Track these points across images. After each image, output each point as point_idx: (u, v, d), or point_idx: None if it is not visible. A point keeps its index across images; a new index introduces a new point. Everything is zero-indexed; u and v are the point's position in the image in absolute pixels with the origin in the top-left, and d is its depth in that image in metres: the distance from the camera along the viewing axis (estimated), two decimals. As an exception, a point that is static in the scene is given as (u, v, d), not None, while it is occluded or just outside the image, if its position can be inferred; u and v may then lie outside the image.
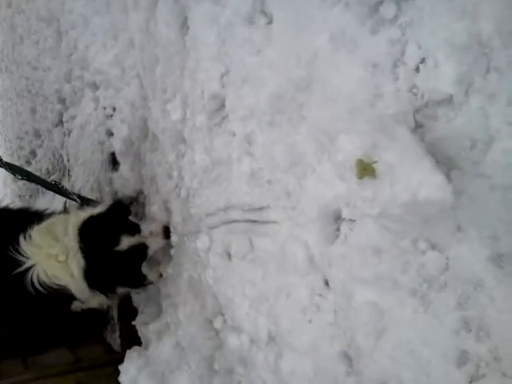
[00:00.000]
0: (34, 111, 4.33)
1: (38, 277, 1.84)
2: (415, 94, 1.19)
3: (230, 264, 1.78)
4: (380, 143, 1.10)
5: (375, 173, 1.10)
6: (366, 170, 1.11)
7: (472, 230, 1.06)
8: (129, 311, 2.47)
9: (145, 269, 2.08)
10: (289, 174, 1.53)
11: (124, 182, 2.55)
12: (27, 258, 1.85)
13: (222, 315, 1.85)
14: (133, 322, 2.39)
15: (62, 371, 2.34)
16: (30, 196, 4.52)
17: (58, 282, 1.86)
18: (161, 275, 2.21)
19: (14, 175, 2.32)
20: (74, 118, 3.29)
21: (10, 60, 5.06)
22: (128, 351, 2.22)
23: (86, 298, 1.98)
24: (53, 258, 1.86)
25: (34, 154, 4.51)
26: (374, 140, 1.11)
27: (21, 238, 1.88)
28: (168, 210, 2.20)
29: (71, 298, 1.95)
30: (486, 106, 1.06)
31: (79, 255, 1.87)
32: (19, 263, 1.85)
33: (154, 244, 2.03)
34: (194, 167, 1.99)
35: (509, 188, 1.00)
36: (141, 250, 1.98)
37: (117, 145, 2.54)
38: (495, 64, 1.07)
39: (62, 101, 3.54)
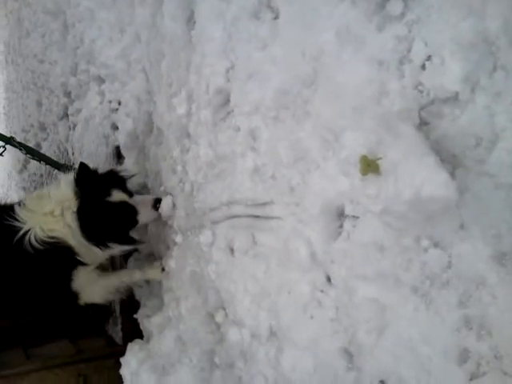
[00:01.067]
0: (39, 104, 4.34)
1: (35, 236, 1.91)
2: (421, 92, 1.19)
3: (232, 259, 1.79)
4: (384, 140, 1.10)
5: (379, 169, 1.10)
6: (370, 166, 1.11)
7: (475, 228, 1.06)
8: (131, 304, 2.49)
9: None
10: (293, 170, 1.54)
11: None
12: (23, 223, 1.93)
13: (224, 310, 1.85)
14: (135, 315, 2.41)
15: (63, 363, 2.36)
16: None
17: (55, 235, 1.94)
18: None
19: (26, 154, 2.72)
20: (79, 111, 3.30)
21: (17, 53, 5.08)
22: (129, 344, 2.24)
23: (84, 251, 2.02)
24: (48, 214, 1.96)
25: (39, 146, 4.52)
26: (378, 137, 1.11)
27: (15, 206, 2.00)
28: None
29: (71, 252, 1.99)
30: (492, 104, 1.06)
31: (73, 205, 1.95)
32: (17, 229, 1.93)
33: (144, 212, 2.10)
34: (199, 162, 1.99)
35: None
36: (130, 211, 2.06)
37: (122, 138, 2.55)
38: (501, 62, 1.06)
39: (68, 94, 3.56)
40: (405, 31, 1.24)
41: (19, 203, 2.03)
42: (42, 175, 4.34)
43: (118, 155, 2.64)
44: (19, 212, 1.97)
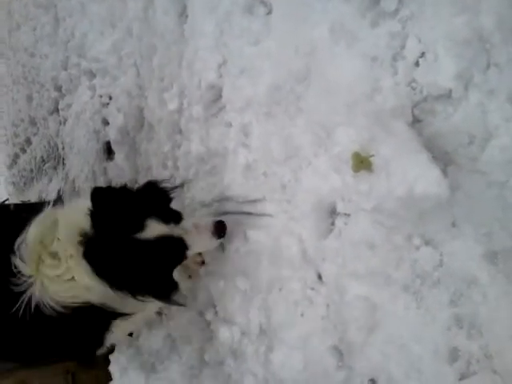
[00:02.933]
0: (30, 98, 4.28)
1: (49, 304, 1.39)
2: (414, 89, 1.18)
3: (223, 256, 1.77)
4: (377, 137, 1.09)
5: (371, 166, 1.09)
6: (362, 163, 1.10)
7: (467, 226, 1.05)
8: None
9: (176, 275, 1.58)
10: (284, 167, 1.52)
11: (119, 171, 2.52)
12: (29, 285, 1.39)
13: (214, 307, 1.83)
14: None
15: (51, 360, 2.32)
16: (25, 184, 4.48)
17: (74, 300, 1.42)
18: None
19: None
20: (69, 106, 3.26)
21: (7, 46, 5.00)
22: (118, 341, 2.21)
23: (119, 304, 1.49)
24: (59, 279, 1.41)
25: (29, 141, 4.47)
26: (371, 134, 1.10)
27: (16, 251, 1.41)
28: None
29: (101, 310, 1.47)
30: (485, 101, 1.05)
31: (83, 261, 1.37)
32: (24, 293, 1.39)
33: (199, 243, 1.53)
34: (190, 158, 1.97)
35: (505, 185, 0.99)
36: (175, 247, 1.48)
37: (112, 134, 2.51)
38: (495, 60, 1.05)
39: (59, 88, 3.50)
40: (398, 28, 1.23)
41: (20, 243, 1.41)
42: (31, 170, 4.29)
43: (109, 150, 2.60)
44: (21, 264, 1.39)
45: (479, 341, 1.03)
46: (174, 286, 1.54)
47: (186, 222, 1.52)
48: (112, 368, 2.11)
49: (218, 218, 1.59)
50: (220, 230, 1.55)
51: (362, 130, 1.11)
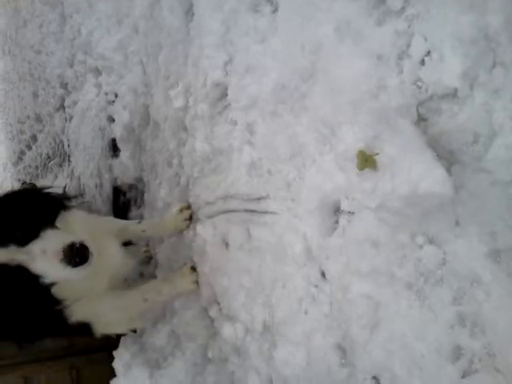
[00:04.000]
0: (35, 95, 4.31)
1: None
2: (419, 87, 1.18)
3: (227, 253, 1.78)
4: (382, 135, 1.09)
5: (376, 165, 1.09)
6: (367, 161, 1.10)
7: (471, 225, 1.05)
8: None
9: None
10: (289, 165, 1.53)
11: (124, 168, 2.54)
12: None
13: (218, 304, 1.85)
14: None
15: (55, 355, 2.35)
16: (30, 180, 4.51)
17: None
18: (150, 257, 2.19)
19: None
20: (75, 103, 3.28)
21: (14, 43, 5.04)
22: (123, 337, 2.22)
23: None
24: None
25: (34, 138, 4.50)
26: (376, 132, 1.10)
27: None
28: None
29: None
30: (490, 101, 1.05)
31: None
32: None
33: (48, 272, 1.28)
34: (195, 156, 1.98)
35: (509, 184, 1.00)
36: (13, 278, 1.26)
37: (118, 131, 2.53)
38: (501, 59, 1.06)
39: (64, 85, 3.53)
40: (404, 26, 1.23)
41: None
42: (37, 167, 4.32)
43: (114, 148, 2.63)
44: None
45: (482, 339, 1.04)
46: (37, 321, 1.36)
47: (34, 245, 1.27)
48: (116, 364, 2.13)
49: (76, 241, 1.30)
50: (73, 256, 1.27)
51: (367, 128, 1.12)
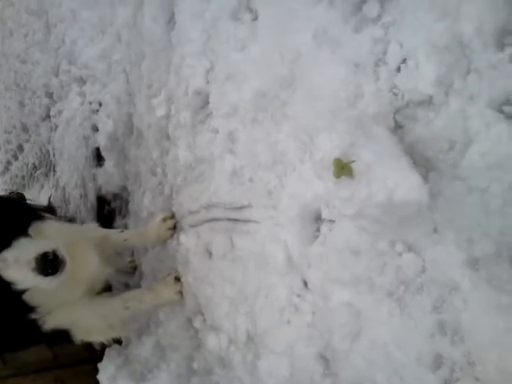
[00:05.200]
0: (22, 105, 4.27)
1: None
2: (396, 95, 1.18)
3: (210, 263, 1.76)
4: (358, 142, 1.08)
5: (352, 172, 1.08)
6: (343, 169, 1.09)
7: (448, 232, 1.04)
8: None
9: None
10: (270, 173, 1.51)
11: (108, 177, 2.52)
12: None
13: (202, 315, 1.82)
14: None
15: (40, 368, 2.30)
16: (17, 190, 4.46)
17: None
18: (135, 267, 2.17)
19: None
20: (60, 112, 3.26)
21: (0, 53, 5.00)
22: (107, 349, 2.18)
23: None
24: None
25: (21, 148, 4.46)
26: (352, 139, 1.09)
27: None
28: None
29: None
30: (466, 107, 1.05)
31: None
32: None
33: (21, 280, 1.31)
34: (178, 164, 1.96)
35: (486, 191, 0.99)
36: None
37: (102, 140, 2.51)
38: (475, 65, 1.05)
39: (50, 95, 3.51)
40: (381, 33, 1.23)
41: None
42: (23, 177, 4.28)
43: (98, 157, 2.60)
44: None
45: (462, 347, 1.02)
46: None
47: (7, 254, 1.29)
48: (100, 377, 2.09)
49: (49, 251, 1.31)
50: (45, 266, 1.29)
51: (344, 135, 1.11)
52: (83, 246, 1.73)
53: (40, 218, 1.57)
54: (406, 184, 0.99)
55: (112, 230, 2.18)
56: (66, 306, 1.63)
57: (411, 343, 1.11)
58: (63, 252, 1.36)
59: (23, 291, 1.37)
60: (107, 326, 1.84)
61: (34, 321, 1.54)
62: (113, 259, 2.18)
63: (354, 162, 1.08)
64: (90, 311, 1.77)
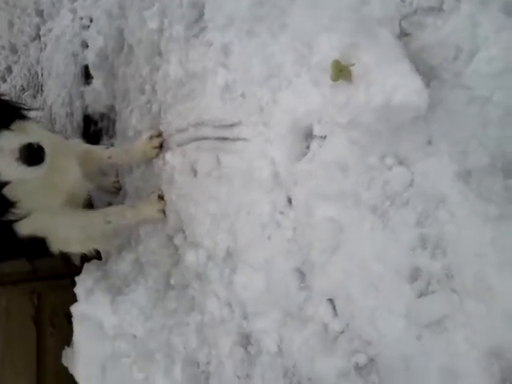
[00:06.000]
0: (11, 24, 3.98)
1: None
2: (403, 1, 1.08)
3: (195, 181, 1.68)
4: (360, 44, 0.99)
5: (351, 76, 0.99)
6: (341, 72, 1.00)
7: (443, 143, 0.98)
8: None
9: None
10: (264, 88, 1.41)
11: (96, 96, 2.37)
12: None
13: (183, 232, 1.76)
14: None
15: (17, 279, 2.25)
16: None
17: None
18: (119, 188, 2.09)
19: None
20: (50, 31, 3.04)
21: (-11, -32, 4.62)
22: (86, 264, 2.14)
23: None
24: None
25: (9, 70, 4.19)
26: (353, 40, 1.00)
27: None
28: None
29: None
30: (477, 13, 0.95)
31: None
32: None
33: (4, 170, 1.27)
34: (168, 81, 1.84)
35: (488, 100, 0.92)
36: None
37: (91, 57, 2.34)
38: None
39: (40, 13, 3.26)
40: None
41: None
42: (11, 99, 4.05)
43: (87, 75, 2.44)
44: None
45: (442, 261, 0.98)
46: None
47: None
48: (78, 289, 2.05)
49: (33, 142, 1.27)
50: (28, 156, 1.26)
51: (345, 35, 1.01)
52: (65, 156, 1.64)
53: (23, 117, 1.47)
54: (406, 87, 0.91)
55: (96, 146, 2.07)
56: (44, 212, 1.56)
57: (390, 256, 1.07)
58: (47, 147, 1.29)
59: (5, 183, 1.31)
60: (86, 238, 1.79)
61: (11, 224, 1.47)
62: (96, 176, 2.09)
63: (353, 65, 0.99)
64: (69, 221, 1.72)
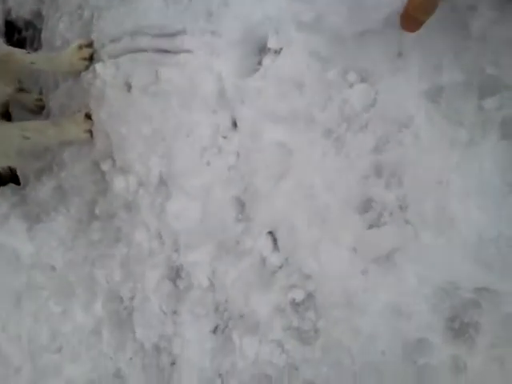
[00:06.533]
0: None
1: None
2: None
3: (128, 97, 1.43)
4: None
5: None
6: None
7: (415, 56, 0.83)
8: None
9: None
10: (214, -13, 1.19)
11: (19, -3, 1.98)
12: None
13: (112, 157, 1.53)
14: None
15: None
16: None
17: None
18: (43, 107, 1.80)
19: None
20: None
21: None
22: (1, 188, 1.85)
23: None
24: None
25: None
26: None
27: None
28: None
29: None
30: None
31: None
32: None
33: None
34: (103, -20, 1.54)
35: (471, 9, 0.77)
36: None
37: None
38: None
39: None
40: None
41: None
42: None
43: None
44: None
45: (397, 191, 0.87)
46: None
47: None
48: (-10, 214, 1.77)
49: None
50: None
51: None
52: None
53: None
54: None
55: (18, 49, 1.73)
56: None
57: (341, 185, 0.94)
58: None
59: None
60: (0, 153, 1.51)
61: None
62: (15, 84, 1.77)
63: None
64: None
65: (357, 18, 0.80)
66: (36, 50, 2.05)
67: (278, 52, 1.09)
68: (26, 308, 1.64)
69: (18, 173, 1.92)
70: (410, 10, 0.67)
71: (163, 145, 1.33)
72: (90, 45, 1.61)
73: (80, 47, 1.60)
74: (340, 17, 0.81)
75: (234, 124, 1.18)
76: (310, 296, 0.97)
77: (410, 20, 0.68)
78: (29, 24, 2.07)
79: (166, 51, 1.36)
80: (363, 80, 0.91)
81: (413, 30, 0.70)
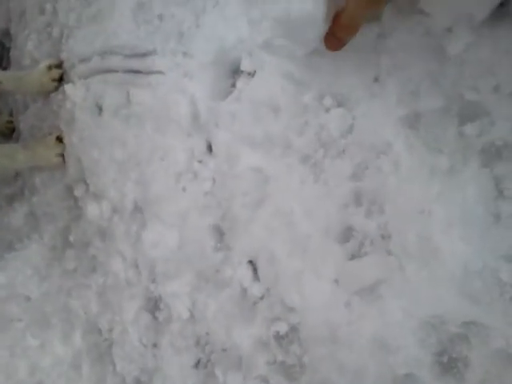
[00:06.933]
0: None
1: None
2: None
3: (99, 120, 1.37)
4: None
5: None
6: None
7: (392, 81, 0.80)
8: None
9: None
10: (185, 8, 1.13)
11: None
12: None
13: (85, 182, 1.46)
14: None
15: None
16: None
17: None
18: (13, 129, 1.72)
19: None
20: None
21: None
22: (-30, 216, 1.76)
23: None
24: None
25: None
26: None
27: None
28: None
29: None
30: None
31: None
32: None
33: None
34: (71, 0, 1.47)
35: (448, 31, 0.74)
36: None
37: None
38: None
39: None
40: None
41: None
42: None
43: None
44: None
45: (378, 219, 0.83)
46: None
47: None
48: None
49: None
50: None
51: None
52: None
53: None
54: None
55: None
56: None
57: (320, 213, 0.89)
58: None
59: None
60: None
61: None
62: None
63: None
64: None
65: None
66: (5, 69, 1.97)
67: (251, 74, 1.04)
68: (2, 341, 1.55)
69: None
70: (335, 31, 0.69)
71: (137, 170, 1.27)
72: (59, 65, 1.54)
73: (49, 67, 1.53)
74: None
75: (210, 148, 1.13)
76: (293, 329, 0.93)
77: (335, 40, 0.70)
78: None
79: (137, 72, 1.30)
80: (340, 105, 0.87)
81: (336, 49, 0.72)
